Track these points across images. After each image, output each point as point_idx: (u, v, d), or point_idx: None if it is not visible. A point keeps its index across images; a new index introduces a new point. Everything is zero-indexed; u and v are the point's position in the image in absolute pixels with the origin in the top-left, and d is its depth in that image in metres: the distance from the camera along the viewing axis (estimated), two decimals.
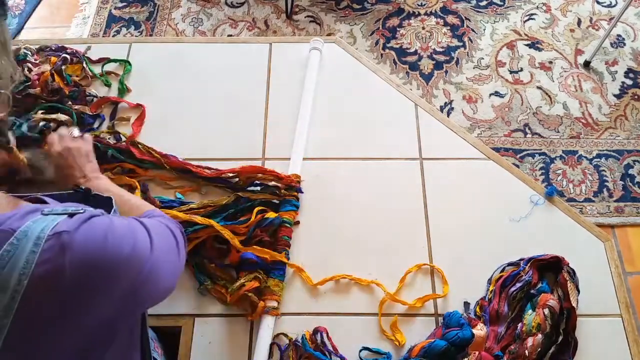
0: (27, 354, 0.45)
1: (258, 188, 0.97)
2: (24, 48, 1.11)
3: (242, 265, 0.89)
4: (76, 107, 1.05)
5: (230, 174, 0.98)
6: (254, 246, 0.89)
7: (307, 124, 1.05)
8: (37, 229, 0.47)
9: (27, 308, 0.44)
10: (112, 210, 0.68)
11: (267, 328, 0.84)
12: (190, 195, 0.99)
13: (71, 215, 0.51)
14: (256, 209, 0.92)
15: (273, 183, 0.97)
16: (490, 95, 1.99)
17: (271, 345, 0.84)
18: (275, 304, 0.86)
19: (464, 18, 2.21)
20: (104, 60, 1.14)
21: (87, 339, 0.49)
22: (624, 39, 2.13)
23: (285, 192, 0.96)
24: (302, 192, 0.98)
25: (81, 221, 0.50)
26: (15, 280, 0.44)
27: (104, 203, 0.68)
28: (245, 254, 0.88)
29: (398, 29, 2.18)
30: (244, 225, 0.91)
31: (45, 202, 0.59)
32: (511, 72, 2.05)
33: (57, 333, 0.46)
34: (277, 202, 0.96)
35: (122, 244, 0.51)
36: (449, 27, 2.18)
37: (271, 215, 0.92)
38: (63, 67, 1.09)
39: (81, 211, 0.53)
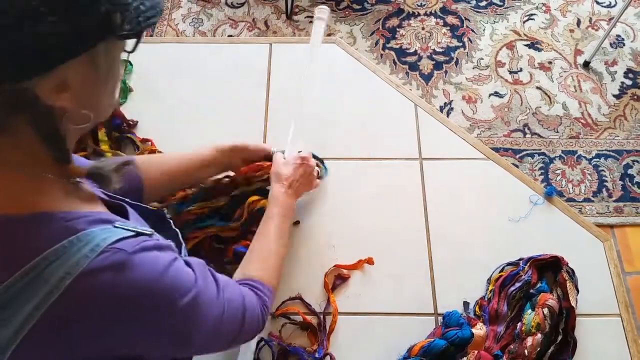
0: (47, 349, 0.46)
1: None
2: None
3: (237, 260, 0.88)
4: None
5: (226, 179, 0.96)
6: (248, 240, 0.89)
7: (308, 108, 1.00)
8: (99, 237, 0.47)
9: (59, 308, 0.44)
10: (182, 247, 0.67)
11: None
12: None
13: (138, 235, 0.51)
14: (248, 201, 0.90)
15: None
16: (490, 95, 1.99)
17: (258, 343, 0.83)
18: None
19: (463, 18, 2.21)
20: None
21: (105, 356, 0.48)
22: (623, 39, 2.14)
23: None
24: None
25: (143, 247, 0.50)
26: (58, 277, 0.44)
27: (173, 235, 0.67)
28: (238, 247, 0.87)
29: (398, 30, 2.18)
30: (240, 222, 0.90)
31: (126, 210, 0.59)
32: (511, 73, 2.05)
33: (66, 346, 0.46)
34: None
35: (177, 290, 0.51)
36: (448, 28, 2.19)
37: (264, 203, 0.89)
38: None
39: (149, 234, 0.53)
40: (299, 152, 0.92)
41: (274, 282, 0.75)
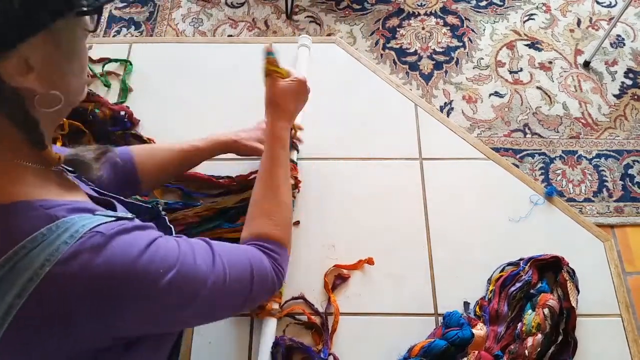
0: (27, 342, 0.45)
1: None
2: None
3: None
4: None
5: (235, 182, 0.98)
6: None
7: (300, 120, 1.04)
8: (79, 223, 0.47)
9: (41, 295, 0.44)
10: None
11: (270, 330, 0.84)
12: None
13: (118, 219, 0.50)
14: None
15: None
16: (490, 95, 1.99)
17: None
18: (277, 305, 0.86)
19: (463, 18, 2.21)
20: (105, 60, 1.14)
21: (99, 340, 0.48)
22: (623, 39, 2.14)
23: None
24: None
25: (121, 230, 0.49)
26: (38, 264, 0.44)
27: (168, 231, 0.66)
28: None
29: (398, 29, 2.18)
30: None
31: (114, 205, 0.58)
32: (511, 72, 2.05)
33: (50, 333, 0.46)
34: None
35: (157, 268, 0.50)
36: (448, 28, 2.19)
37: None
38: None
39: (129, 218, 0.52)
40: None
41: (285, 238, 0.72)
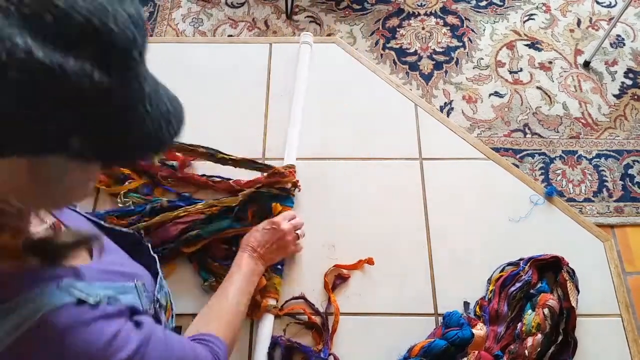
0: None
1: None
2: None
3: None
4: None
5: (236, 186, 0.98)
6: None
7: (300, 119, 1.06)
8: (34, 304, 0.43)
9: None
10: (158, 276, 0.65)
11: (268, 327, 0.84)
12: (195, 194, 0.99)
13: (81, 302, 0.46)
14: (273, 205, 0.93)
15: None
16: (490, 95, 1.99)
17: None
18: (274, 302, 0.86)
19: (463, 18, 2.21)
20: None
21: None
22: (623, 39, 2.14)
23: (290, 188, 0.96)
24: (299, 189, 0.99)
25: (80, 322, 0.45)
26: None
27: (151, 261, 0.64)
28: None
29: (398, 29, 2.18)
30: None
31: (91, 241, 0.53)
32: (511, 72, 2.05)
33: None
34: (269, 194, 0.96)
35: None
36: (448, 28, 2.18)
37: (288, 210, 0.94)
38: None
39: (93, 304, 0.47)
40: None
41: (228, 336, 0.73)
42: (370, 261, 0.91)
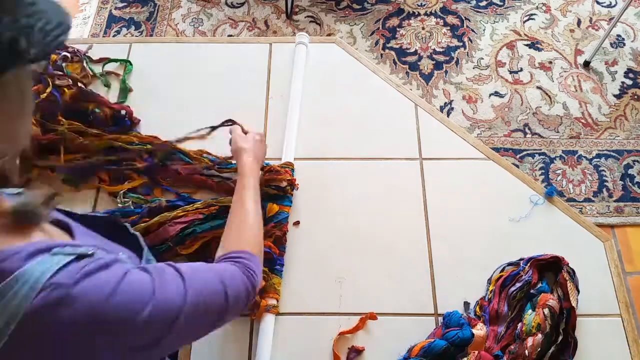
0: None
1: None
2: None
3: None
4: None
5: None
6: (268, 241, 0.90)
7: (297, 118, 1.06)
8: (36, 273, 0.44)
9: (10, 354, 0.42)
10: (143, 250, 0.64)
11: (269, 327, 0.84)
12: (200, 194, 0.99)
13: (80, 257, 0.48)
14: (269, 205, 0.93)
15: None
16: (490, 95, 1.99)
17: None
18: (275, 302, 0.86)
19: (463, 18, 2.21)
20: (105, 60, 1.14)
21: None
22: (623, 39, 2.13)
23: (288, 188, 0.96)
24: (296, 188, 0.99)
25: (85, 273, 0.46)
26: (2, 324, 0.42)
27: (132, 240, 0.65)
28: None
29: (398, 29, 2.18)
30: None
31: (69, 228, 0.56)
32: (511, 72, 2.05)
33: None
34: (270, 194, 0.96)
35: (132, 306, 0.48)
36: (448, 28, 2.18)
37: (286, 210, 0.94)
38: (63, 65, 1.09)
39: (90, 254, 0.49)
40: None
41: (256, 248, 0.74)
42: (372, 316, 0.88)
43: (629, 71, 2.04)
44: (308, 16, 2.21)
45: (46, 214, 0.52)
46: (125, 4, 2.29)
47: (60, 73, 1.05)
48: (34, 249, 0.46)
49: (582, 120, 1.93)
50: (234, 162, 0.97)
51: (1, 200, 0.49)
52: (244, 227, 0.77)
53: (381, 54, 2.10)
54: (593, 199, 1.77)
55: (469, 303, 0.89)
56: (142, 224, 0.89)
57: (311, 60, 1.16)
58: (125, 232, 0.67)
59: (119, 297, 0.47)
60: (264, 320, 0.85)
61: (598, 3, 2.24)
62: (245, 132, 0.94)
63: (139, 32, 2.20)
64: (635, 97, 1.98)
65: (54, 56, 1.10)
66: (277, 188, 0.95)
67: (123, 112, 1.05)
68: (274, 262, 0.90)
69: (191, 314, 0.54)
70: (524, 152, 1.86)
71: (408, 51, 2.11)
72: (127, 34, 2.18)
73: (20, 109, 0.46)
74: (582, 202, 1.76)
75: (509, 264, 0.92)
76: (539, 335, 0.80)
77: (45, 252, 0.46)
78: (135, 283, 0.50)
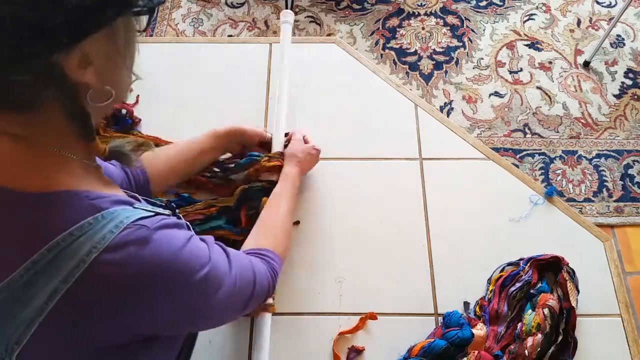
0: (70, 325, 0.46)
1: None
2: None
3: None
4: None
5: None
6: None
7: (286, 104, 1.04)
8: (122, 215, 0.49)
9: (85, 282, 0.45)
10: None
11: (266, 325, 0.84)
12: (201, 195, 0.98)
13: (157, 214, 0.53)
14: (262, 202, 0.91)
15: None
16: (490, 95, 1.99)
17: None
18: (271, 300, 0.86)
19: (463, 18, 2.21)
20: None
21: (123, 335, 0.49)
22: (623, 39, 2.14)
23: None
24: None
25: (163, 224, 0.52)
26: (85, 251, 0.45)
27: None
28: None
29: (398, 29, 2.18)
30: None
31: (138, 200, 0.61)
32: (511, 72, 2.05)
33: (89, 320, 0.47)
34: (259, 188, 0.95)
35: (194, 264, 0.53)
36: (448, 28, 2.18)
37: None
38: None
39: (167, 214, 0.55)
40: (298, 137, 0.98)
41: (282, 251, 0.80)
42: (372, 316, 0.88)
43: (629, 71, 2.04)
44: (308, 16, 2.21)
45: (134, 159, 0.61)
46: None
47: None
48: (120, 199, 0.52)
49: (582, 120, 1.93)
50: (241, 160, 0.98)
51: (97, 144, 0.55)
52: (275, 228, 0.83)
53: (381, 54, 2.10)
54: (593, 199, 1.77)
55: (469, 303, 0.89)
56: None
57: (311, 60, 1.16)
58: (179, 219, 0.72)
59: (186, 253, 0.52)
60: (262, 319, 0.85)
61: (598, 3, 2.24)
62: (306, 141, 0.98)
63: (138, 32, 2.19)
64: (635, 97, 1.98)
65: None
66: (269, 182, 0.94)
67: (124, 111, 1.05)
68: None
69: (229, 290, 0.59)
70: (524, 152, 1.86)
71: (408, 51, 2.11)
72: None
73: (125, 55, 0.52)
74: (582, 202, 1.76)
75: (509, 264, 0.92)
76: (539, 335, 0.80)
77: (129, 204, 0.52)
78: (198, 246, 0.55)
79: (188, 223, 0.59)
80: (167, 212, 0.56)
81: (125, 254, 0.47)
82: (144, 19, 0.51)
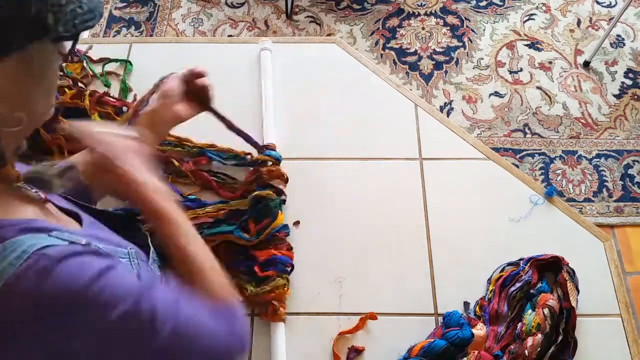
0: None
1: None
2: None
3: (271, 265, 0.88)
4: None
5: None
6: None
7: (272, 121, 1.05)
8: (26, 244, 0.45)
9: None
10: (150, 251, 0.63)
11: (281, 334, 0.85)
12: (203, 194, 0.98)
13: (74, 243, 0.48)
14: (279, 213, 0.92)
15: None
16: (490, 95, 1.99)
17: None
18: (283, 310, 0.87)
19: (463, 18, 2.21)
20: (105, 60, 1.14)
21: None
22: (623, 39, 2.14)
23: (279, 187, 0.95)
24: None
25: (74, 252, 0.46)
26: None
27: (142, 238, 0.63)
28: (283, 257, 0.88)
29: (398, 29, 2.18)
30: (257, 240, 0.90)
31: (79, 218, 0.57)
32: (511, 72, 2.05)
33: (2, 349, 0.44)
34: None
35: (106, 297, 0.46)
36: (448, 28, 2.18)
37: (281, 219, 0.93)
38: (63, 65, 1.09)
39: (85, 243, 0.49)
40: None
41: (227, 297, 0.62)
42: (372, 316, 0.87)
43: (628, 71, 2.04)
44: (308, 16, 2.22)
45: (59, 184, 0.54)
46: (125, 4, 2.29)
47: (61, 73, 1.05)
48: (33, 226, 0.47)
49: (582, 120, 1.93)
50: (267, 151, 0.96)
51: (9, 169, 0.50)
52: (199, 278, 0.61)
53: (381, 54, 2.10)
54: (593, 199, 1.77)
55: (469, 303, 0.89)
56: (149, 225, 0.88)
57: (311, 60, 1.16)
58: (138, 231, 0.67)
59: (102, 283, 0.46)
60: (277, 327, 0.85)
61: (598, 3, 2.25)
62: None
63: (139, 32, 2.20)
64: (635, 97, 1.98)
65: None
66: (277, 191, 0.94)
67: (125, 109, 1.05)
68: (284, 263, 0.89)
69: (177, 339, 0.50)
70: (524, 152, 1.86)
71: (408, 51, 2.11)
72: (127, 34, 2.18)
73: (39, 81, 0.48)
74: (582, 202, 1.77)
75: (509, 264, 0.92)
76: (539, 335, 0.80)
77: (44, 232, 0.47)
78: (120, 277, 0.48)
79: (115, 251, 0.52)
80: (84, 241, 0.49)
81: (23, 289, 0.43)
82: (68, 44, 0.48)
